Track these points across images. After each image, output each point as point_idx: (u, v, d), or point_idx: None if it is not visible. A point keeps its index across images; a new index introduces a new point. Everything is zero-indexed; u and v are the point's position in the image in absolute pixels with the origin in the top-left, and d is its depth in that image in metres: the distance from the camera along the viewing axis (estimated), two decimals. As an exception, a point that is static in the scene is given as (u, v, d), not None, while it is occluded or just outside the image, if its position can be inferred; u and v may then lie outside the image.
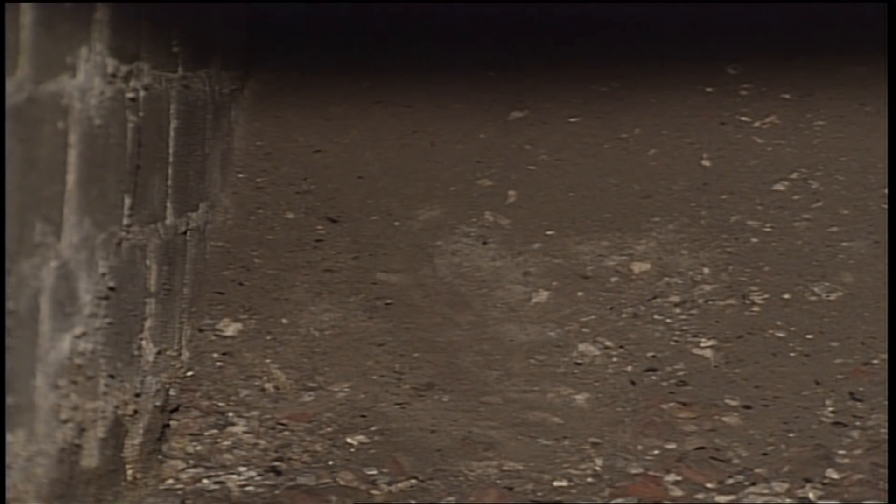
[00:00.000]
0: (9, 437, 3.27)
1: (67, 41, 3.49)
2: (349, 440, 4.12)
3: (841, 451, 4.02)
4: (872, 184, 4.63)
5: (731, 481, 3.95)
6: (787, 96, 4.82)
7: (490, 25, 4.91)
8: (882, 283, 4.42)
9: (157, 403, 4.05)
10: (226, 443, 4.12)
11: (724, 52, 4.88)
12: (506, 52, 4.90)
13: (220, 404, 4.22)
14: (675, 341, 4.36)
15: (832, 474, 3.95)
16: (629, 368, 4.30)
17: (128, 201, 3.83)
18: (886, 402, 4.14)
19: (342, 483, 3.97)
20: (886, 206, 4.56)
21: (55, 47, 3.43)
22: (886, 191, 4.61)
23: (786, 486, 3.90)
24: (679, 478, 3.97)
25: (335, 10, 4.84)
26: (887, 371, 3.85)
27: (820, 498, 3.87)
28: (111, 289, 3.71)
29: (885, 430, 4.05)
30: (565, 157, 4.76)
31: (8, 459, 3.27)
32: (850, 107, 4.80)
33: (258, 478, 4.01)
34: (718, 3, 4.81)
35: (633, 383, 4.26)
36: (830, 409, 4.15)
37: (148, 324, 4.01)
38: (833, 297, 4.42)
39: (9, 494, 3.27)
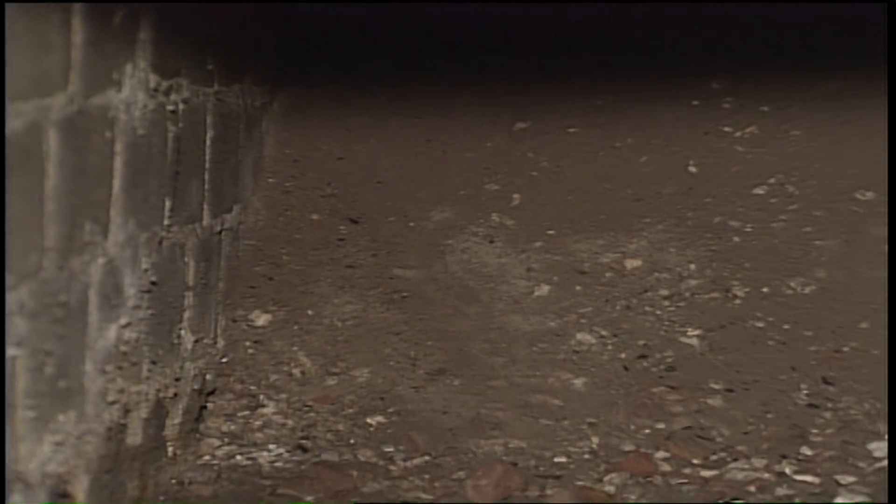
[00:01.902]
0: (61, 418, 3.30)
1: (114, 59, 3.51)
2: (369, 420, 4.14)
3: (814, 431, 4.04)
4: (843, 188, 4.64)
5: (714, 458, 3.98)
6: (765, 109, 4.83)
7: (496, 45, 4.92)
8: (851, 278, 4.43)
9: (195, 387, 4.07)
10: (257, 423, 4.15)
11: (708, 69, 4.88)
12: (510, 69, 4.91)
13: (252, 388, 4.25)
14: (665, 331, 4.37)
15: (806, 451, 3.97)
16: (622, 355, 4.32)
17: (168, 204, 3.85)
18: (856, 386, 4.17)
19: (362, 459, 4.00)
20: (856, 209, 4.59)
21: (103, 64, 3.45)
22: (863, 194, 4.63)
23: (764, 461, 3.92)
24: (668, 454, 4.00)
25: (356, 31, 4.84)
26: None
27: (795, 473, 3.89)
28: (153, 283, 3.73)
29: (854, 412, 4.07)
30: (564, 163, 4.77)
31: (60, 437, 3.30)
32: (823, 119, 4.81)
33: (286, 454, 4.04)
34: (703, 25, 4.80)
35: (626, 369, 4.28)
36: (805, 392, 4.17)
37: (186, 315, 4.04)
38: (807, 290, 4.44)
39: (60, 469, 3.30)
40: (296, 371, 4.28)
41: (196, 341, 4.09)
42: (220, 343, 4.30)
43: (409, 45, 4.91)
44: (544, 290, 4.49)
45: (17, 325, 3.09)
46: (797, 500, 3.77)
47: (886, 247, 4.49)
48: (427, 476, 3.93)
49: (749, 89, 4.85)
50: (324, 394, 4.22)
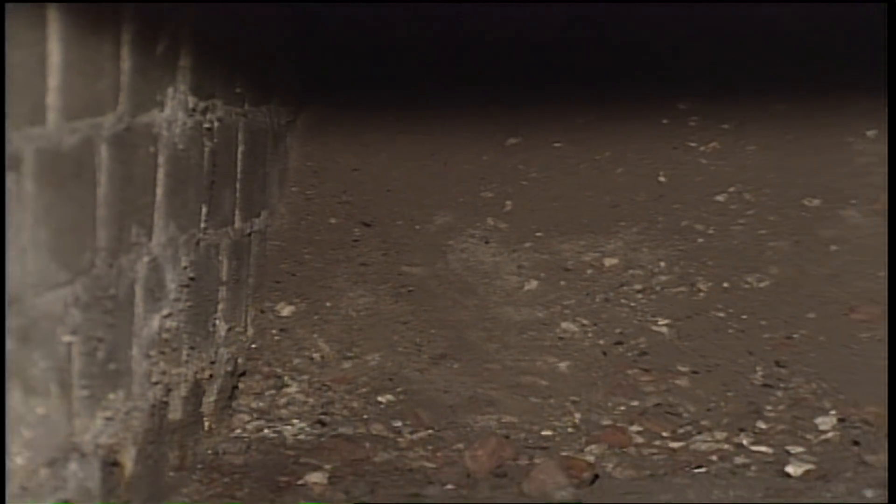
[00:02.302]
0: (111, 396, 3.31)
1: (158, 83, 3.52)
2: (380, 399, 4.15)
3: (768, 407, 4.04)
4: (792, 196, 4.63)
5: (681, 431, 3.98)
6: (725, 126, 4.83)
7: (491, 72, 4.91)
8: (801, 274, 4.44)
9: (228, 369, 4.08)
10: (282, 401, 4.15)
11: (676, 92, 4.88)
12: (503, 93, 4.90)
13: (278, 370, 4.25)
14: (638, 320, 4.37)
15: (761, 425, 3.97)
16: (601, 342, 4.31)
17: (204, 209, 3.86)
18: (805, 369, 4.17)
19: (374, 432, 4.00)
20: (805, 214, 4.59)
21: (148, 88, 3.45)
22: (811, 201, 4.63)
23: (724, 434, 3.93)
24: (641, 428, 4.00)
25: (370, 60, 4.84)
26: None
27: (751, 444, 3.90)
28: (191, 279, 3.74)
29: (803, 391, 4.07)
30: (550, 174, 4.77)
31: (111, 413, 3.30)
32: (774, 135, 4.81)
33: (307, 428, 4.04)
34: (672, 54, 4.80)
35: (604, 354, 4.28)
36: (760, 374, 4.17)
37: (220, 306, 4.04)
38: (762, 285, 4.44)
39: (110, 441, 3.31)
40: (316, 355, 4.29)
41: (229, 329, 4.09)
42: (250, 331, 4.31)
43: (415, 72, 4.91)
44: (533, 284, 4.49)
45: (72, 316, 3.09)
46: (753, 468, 3.78)
47: (833, 247, 4.50)
48: (430, 447, 3.94)
49: (711, 110, 4.85)
50: (340, 375, 4.22)
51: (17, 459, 2.88)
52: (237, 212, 4.16)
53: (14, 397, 2.86)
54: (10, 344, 2.84)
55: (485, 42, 4.94)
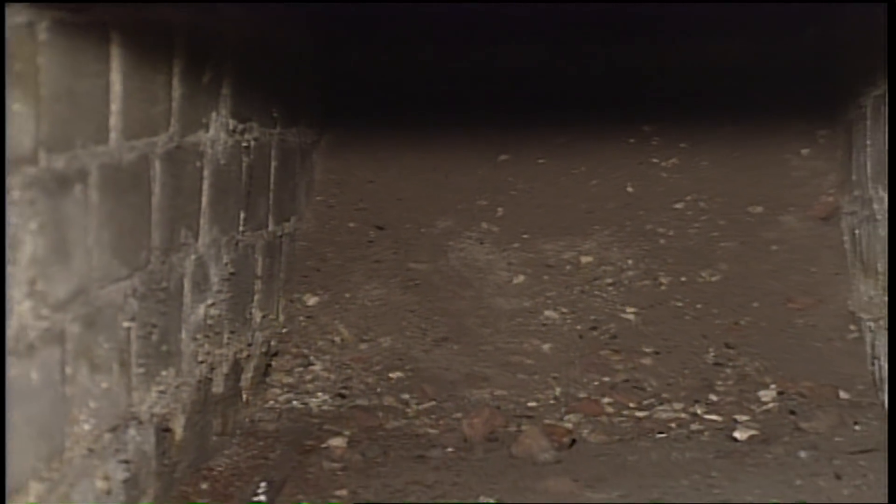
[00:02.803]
0: (164, 373, 3.30)
1: (203, 108, 3.52)
2: (391, 375, 4.15)
3: (719, 382, 4.05)
4: (739, 204, 4.63)
5: (646, 402, 3.99)
6: (683, 145, 4.82)
7: (484, 99, 4.91)
8: (746, 269, 4.44)
9: (262, 350, 4.08)
10: (308, 377, 4.15)
11: (641, 117, 4.87)
12: (494, 117, 4.89)
13: (305, 351, 4.25)
14: (609, 309, 4.36)
15: (712, 397, 3.98)
16: (578, 327, 4.31)
17: (242, 215, 3.86)
18: (750, 350, 4.16)
19: (386, 403, 4.01)
20: (749, 219, 4.59)
21: (195, 112, 3.45)
22: (754, 208, 4.63)
23: (682, 405, 3.93)
24: (611, 400, 4.00)
25: (382, 89, 4.84)
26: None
27: (704, 413, 3.90)
28: (231, 274, 3.74)
29: (748, 369, 4.07)
30: (535, 185, 4.76)
31: (163, 387, 3.30)
32: (725, 153, 4.80)
33: (329, 400, 4.04)
34: (637, 85, 4.79)
35: (580, 337, 4.27)
36: (712, 354, 4.17)
37: (256, 297, 4.04)
38: (714, 279, 4.43)
39: (163, 411, 3.30)
40: (337, 339, 4.28)
41: (263, 317, 4.09)
42: (281, 318, 4.31)
43: (420, 100, 4.90)
44: (520, 278, 4.48)
45: (131, 305, 3.09)
46: (706, 434, 3.78)
47: (773, 247, 4.50)
48: (434, 416, 3.94)
49: (671, 131, 4.85)
50: (357, 355, 4.22)
51: (84, 426, 2.87)
52: (270, 217, 4.16)
53: (82, 374, 2.86)
54: (77, 328, 2.84)
55: (479, 74, 4.94)
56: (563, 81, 4.95)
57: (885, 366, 3.85)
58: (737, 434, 3.76)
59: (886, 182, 3.80)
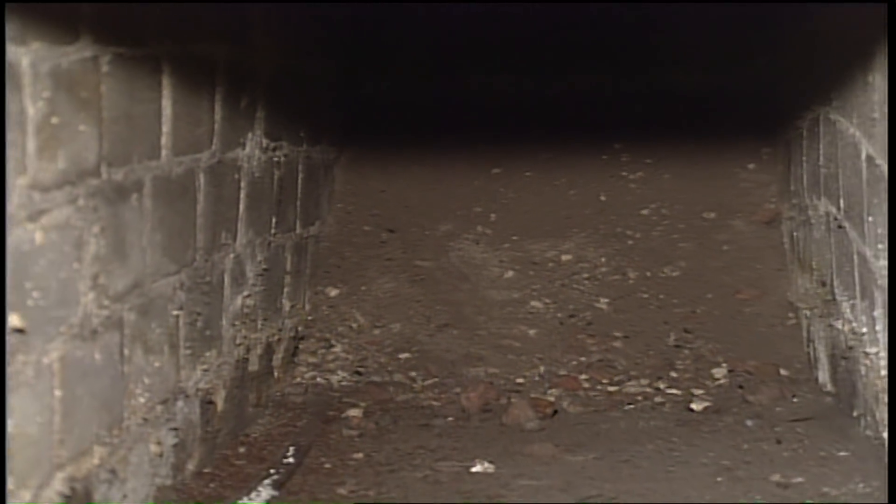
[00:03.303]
0: (207, 354, 3.30)
1: (241, 129, 3.52)
2: (400, 356, 4.14)
3: (678, 362, 4.05)
4: (696, 210, 4.61)
5: (616, 379, 3.98)
6: (648, 161, 4.81)
7: (480, 121, 4.90)
8: (702, 266, 4.42)
9: (291, 335, 4.07)
10: (330, 357, 4.14)
11: (612, 136, 4.86)
12: (489, 136, 4.88)
13: (327, 335, 4.24)
14: (585, 300, 4.35)
15: (673, 374, 3.98)
16: (559, 315, 4.29)
17: (274, 220, 3.85)
18: (705, 334, 4.16)
19: (396, 380, 4.00)
20: (704, 223, 4.59)
21: (234, 133, 3.45)
22: (708, 214, 4.64)
23: (647, 381, 3.92)
24: (587, 377, 3.99)
25: (393, 113, 4.84)
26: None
27: (666, 388, 3.91)
28: (265, 270, 3.73)
29: (703, 350, 4.07)
30: (523, 195, 4.75)
31: (207, 366, 3.29)
32: (684, 167, 4.79)
33: (348, 377, 4.04)
34: (608, 109, 4.79)
35: (561, 323, 4.26)
36: (672, 338, 4.16)
37: (286, 289, 4.03)
38: (674, 274, 4.42)
39: (206, 386, 3.30)
40: (354, 325, 4.27)
41: (291, 306, 4.08)
42: (307, 307, 4.30)
43: (425, 121, 4.90)
44: (510, 274, 4.47)
45: (179, 296, 3.09)
46: (667, 405, 3.78)
47: (725, 247, 4.50)
48: (436, 390, 3.94)
49: (638, 149, 4.84)
50: (372, 339, 4.21)
51: (139, 399, 2.87)
52: (298, 221, 4.16)
53: (137, 355, 2.86)
54: (133, 316, 2.83)
55: (476, 99, 4.93)
56: (547, 106, 4.94)
57: (820, 348, 3.86)
58: (693, 406, 3.76)
59: (820, 192, 3.81)
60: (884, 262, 2.98)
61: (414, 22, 4.84)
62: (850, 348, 3.43)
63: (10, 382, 2.33)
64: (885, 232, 2.95)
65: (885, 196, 2.94)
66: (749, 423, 3.60)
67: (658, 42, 4.85)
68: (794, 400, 3.77)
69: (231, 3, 3.42)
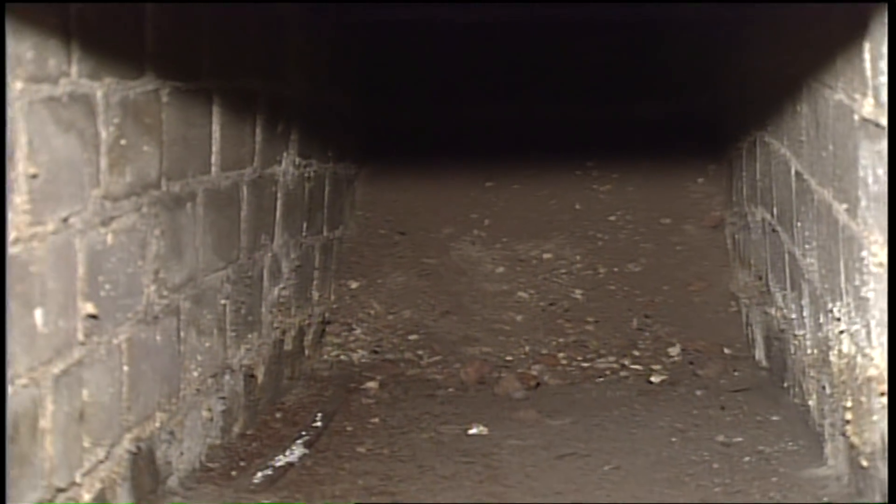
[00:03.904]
0: (249, 336, 3.29)
1: (277, 149, 3.52)
2: (410, 337, 4.13)
3: (640, 343, 4.04)
4: (654, 217, 4.60)
5: (589, 356, 3.98)
6: (615, 176, 4.80)
7: (476, 142, 4.90)
8: (659, 263, 4.40)
9: (319, 320, 4.06)
10: (351, 338, 4.13)
11: (586, 156, 4.85)
12: (484, 155, 4.88)
13: (349, 321, 4.23)
14: (563, 291, 4.33)
15: (636, 353, 3.98)
16: (541, 303, 4.28)
17: (305, 224, 3.85)
18: (662, 320, 4.15)
19: (406, 357, 4.00)
20: (661, 227, 4.58)
21: (271, 152, 3.45)
22: (665, 220, 4.64)
23: (614, 358, 3.93)
24: (565, 355, 3.99)
25: (404, 138, 4.84)
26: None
27: (630, 364, 3.91)
28: (297, 266, 3.73)
29: (661, 333, 4.06)
30: (512, 204, 4.73)
31: (249, 346, 3.29)
32: (644, 181, 4.78)
33: (366, 355, 4.03)
34: (582, 134, 4.79)
35: (543, 310, 4.24)
36: (636, 322, 4.15)
37: (315, 282, 4.03)
38: (637, 269, 4.40)
39: (249, 362, 3.29)
40: (371, 312, 4.26)
41: (319, 296, 4.08)
42: (332, 297, 4.29)
43: (431, 142, 4.89)
44: (501, 269, 4.47)
45: (226, 288, 3.09)
46: (630, 378, 3.78)
47: (678, 247, 4.50)
48: (440, 366, 3.93)
49: (606, 166, 4.83)
50: (386, 323, 4.21)
51: (193, 373, 2.87)
52: (325, 226, 4.15)
53: (191, 336, 2.86)
54: (188, 304, 2.83)
55: (473, 124, 4.93)
56: (531, 131, 4.94)
57: (756, 330, 3.86)
58: (652, 378, 3.76)
59: (757, 201, 3.80)
60: (810, 260, 2.97)
61: (421, 61, 4.89)
62: (782, 331, 3.43)
63: (86, 360, 2.33)
64: (812, 234, 2.94)
65: (811, 205, 2.94)
66: (698, 392, 3.60)
67: (621, 78, 4.85)
68: (736, 374, 3.77)
69: (269, 45, 3.42)
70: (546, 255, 4.51)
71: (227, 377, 3.10)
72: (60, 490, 2.22)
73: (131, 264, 2.51)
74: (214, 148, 2.97)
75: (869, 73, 2.28)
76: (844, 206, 2.54)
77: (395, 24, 4.61)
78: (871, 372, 2.36)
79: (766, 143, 3.62)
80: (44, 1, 2.12)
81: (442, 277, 4.44)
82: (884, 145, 2.20)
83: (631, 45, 4.84)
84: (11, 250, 2.05)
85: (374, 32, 4.70)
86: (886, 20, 2.14)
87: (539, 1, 4.26)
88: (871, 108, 2.28)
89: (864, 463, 2.47)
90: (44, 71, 2.15)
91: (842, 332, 2.60)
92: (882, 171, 2.22)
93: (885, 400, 2.26)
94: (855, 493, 2.60)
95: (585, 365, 3.91)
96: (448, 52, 4.90)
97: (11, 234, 2.05)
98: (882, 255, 2.25)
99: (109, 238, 2.41)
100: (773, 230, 3.53)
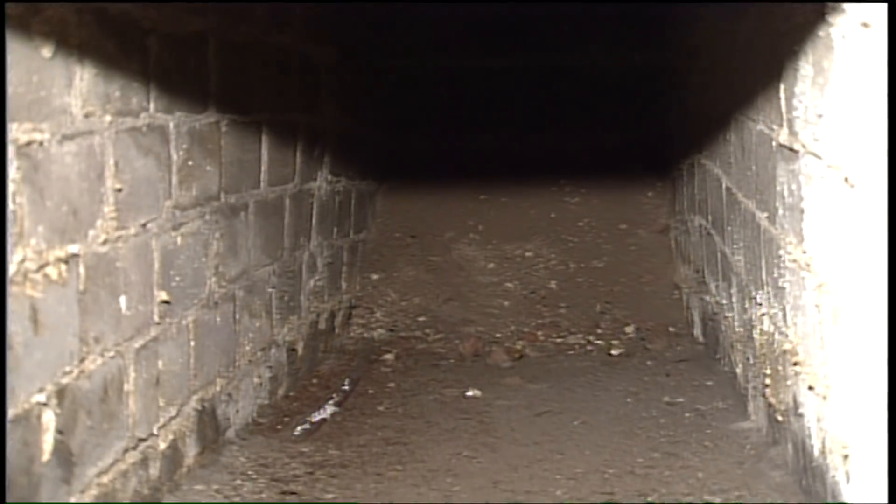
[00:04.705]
0: (291, 318, 3.27)
1: (314, 169, 3.50)
2: (419, 319, 4.10)
3: (602, 323, 4.01)
4: (614, 223, 4.57)
5: (562, 334, 3.95)
6: (583, 191, 4.79)
7: (473, 164, 4.89)
8: (618, 261, 4.37)
9: (347, 305, 4.04)
10: (372, 320, 4.11)
11: (559, 175, 4.83)
12: (480, 174, 4.87)
13: (371, 306, 4.20)
14: (542, 282, 4.30)
15: (599, 331, 3.94)
16: (524, 292, 4.24)
17: (335, 229, 3.84)
18: (620, 304, 4.12)
19: (416, 335, 3.97)
20: (620, 232, 4.56)
21: (309, 171, 3.44)
22: (622, 225, 4.62)
23: (581, 335, 3.92)
24: (542, 333, 3.96)
25: (417, 161, 4.82)
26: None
27: (594, 340, 3.88)
28: (329, 262, 3.72)
29: (619, 315, 4.03)
30: (501, 213, 4.71)
31: (291, 325, 3.28)
32: (606, 195, 4.76)
33: (384, 333, 4.00)
34: (557, 159, 4.78)
35: (525, 298, 4.21)
36: (598, 307, 4.12)
37: (343, 275, 4.01)
38: (600, 265, 4.37)
39: (291, 339, 3.28)
40: (388, 298, 4.23)
41: (347, 286, 4.06)
42: (357, 287, 4.28)
43: (437, 165, 4.88)
44: (492, 265, 4.45)
45: (272, 280, 3.08)
46: (594, 352, 3.76)
47: (632, 248, 4.48)
48: (443, 342, 3.91)
49: (576, 183, 4.80)
50: (400, 308, 4.19)
51: (246, 347, 2.86)
52: (351, 230, 4.14)
53: (245, 318, 2.85)
54: (241, 293, 2.82)
55: (470, 150, 4.91)
56: (517, 155, 4.93)
57: (695, 313, 3.84)
58: (612, 352, 3.74)
59: (695, 210, 3.79)
60: (738, 257, 2.96)
61: (429, 99, 4.86)
62: (715, 314, 3.42)
63: (160, 337, 2.32)
64: (739, 237, 2.94)
65: (738, 213, 2.93)
66: (648, 363, 3.58)
67: (589, 113, 4.83)
68: (678, 348, 3.75)
69: (308, 86, 3.41)
70: (528, 254, 4.50)
71: (273, 351, 3.10)
72: (141, 440, 2.22)
73: (196, 261, 2.51)
74: (263, 168, 2.97)
75: (784, 108, 2.29)
76: (765, 214, 2.53)
77: (407, 70, 4.72)
78: (786, 346, 2.36)
79: (702, 165, 3.62)
80: (127, 45, 2.12)
81: (445, 272, 4.43)
82: (796, 166, 2.20)
83: (596, 88, 4.82)
84: (101, 249, 2.05)
85: (391, 76, 4.71)
86: (800, 65, 2.14)
87: (523, 52, 4.29)
88: (786, 136, 2.28)
89: (780, 418, 2.47)
90: (128, 107, 2.15)
91: (763, 314, 2.60)
92: (795, 187, 2.22)
93: (797, 368, 2.26)
94: (771, 442, 2.59)
95: (559, 341, 3.90)
96: (450, 92, 4.88)
97: (101, 237, 2.05)
98: (796, 252, 2.24)
99: (179, 240, 2.41)
100: (708, 233, 3.52)
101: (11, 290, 1.72)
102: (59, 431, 1.89)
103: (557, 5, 4.30)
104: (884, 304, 1.63)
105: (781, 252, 2.35)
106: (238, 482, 2.48)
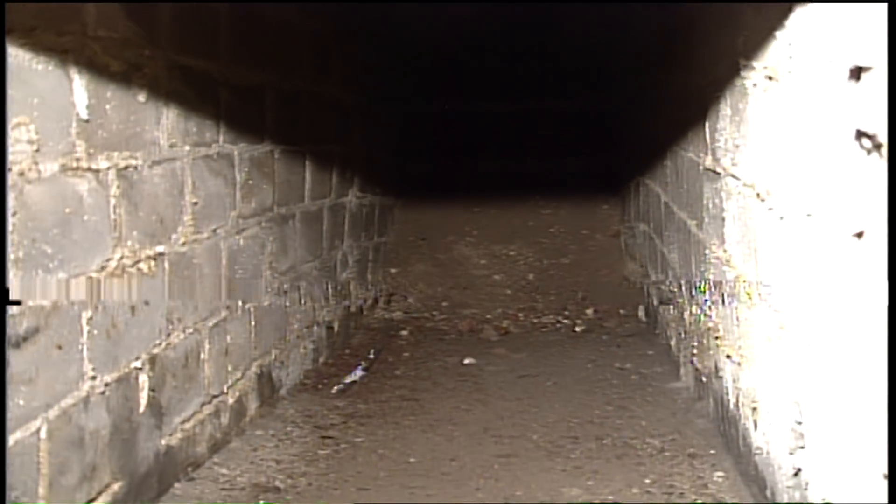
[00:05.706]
0: (332, 302, 3.28)
1: (346, 187, 3.48)
2: (427, 303, 4.04)
3: (569, 306, 3.93)
4: (579, 229, 4.52)
5: (537, 315, 3.88)
6: (554, 204, 4.74)
7: (472, 184, 4.86)
8: (582, 259, 4.34)
9: (372, 294, 4.04)
10: (393, 304, 4.08)
11: (535, 193, 4.79)
12: (476, 192, 4.84)
13: (391, 294, 4.21)
14: (523, 275, 4.25)
15: (566, 313, 3.89)
16: (509, 283, 4.18)
17: (363, 234, 3.82)
18: (594, 296, 4.05)
19: (426, 316, 3.92)
20: (583, 236, 4.55)
21: (342, 188, 3.40)
22: (585, 231, 4.61)
23: (553, 316, 3.87)
24: (523, 315, 3.90)
25: (427, 181, 4.80)
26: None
27: (562, 319, 3.80)
28: (357, 260, 3.70)
29: (589, 302, 4.00)
30: (492, 222, 4.66)
31: (329, 309, 3.27)
32: (573, 209, 4.72)
33: (402, 314, 3.96)
34: (535, 181, 4.75)
35: (509, 287, 4.17)
36: (566, 294, 4.08)
37: (369, 270, 4.00)
38: (567, 262, 4.34)
39: (329, 319, 3.26)
40: (403, 288, 4.21)
41: (372, 278, 4.03)
42: (380, 279, 4.26)
43: (444, 185, 4.86)
44: (484, 262, 4.41)
45: (314, 273, 3.07)
46: (562, 329, 3.74)
47: (592, 248, 4.46)
48: (446, 321, 3.87)
49: (548, 199, 4.75)
50: (415, 297, 4.17)
51: (294, 325, 2.85)
52: (375, 234, 4.12)
53: (293, 303, 2.84)
54: (289, 284, 2.82)
55: (470, 173, 4.89)
56: (504, 176, 4.90)
57: (652, 301, 3.83)
58: (577, 329, 3.71)
59: (640, 219, 3.79)
60: (673, 255, 2.96)
61: (437, 133, 4.84)
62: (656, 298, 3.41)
63: (228, 318, 2.32)
64: (674, 239, 2.93)
65: (674, 221, 2.92)
66: (604, 337, 3.56)
67: (560, 145, 4.81)
68: (626, 325, 3.72)
69: (341, 124, 3.40)
70: (511, 253, 4.48)
71: (315, 328, 3.09)
72: (214, 396, 2.23)
73: (255, 258, 2.51)
74: (307, 186, 2.96)
75: (709, 140, 2.29)
76: (694, 222, 2.53)
77: (418, 110, 4.70)
78: (710, 324, 2.36)
79: (646, 184, 3.61)
80: (203, 93, 2.12)
81: (448, 267, 4.41)
82: (719, 185, 2.20)
83: (565, 126, 4.79)
84: (181, 249, 2.05)
85: (405, 115, 4.69)
86: (721, 107, 2.14)
87: (507, 97, 4.28)
88: (711, 161, 2.28)
89: (704, 379, 2.47)
90: (203, 139, 2.15)
91: (692, 299, 2.60)
92: (718, 201, 2.22)
93: (718, 342, 2.26)
94: (697, 398, 2.59)
95: (535, 320, 3.88)
96: (454, 128, 4.84)
97: (181, 240, 2.05)
98: (718, 251, 2.24)
99: (241, 242, 2.41)
100: (650, 237, 3.52)
101: (112, 281, 1.73)
102: (152, 390, 1.90)
103: (537, 61, 4.30)
104: (785, 290, 1.64)
105: (707, 251, 2.35)
106: (289, 429, 2.49)
